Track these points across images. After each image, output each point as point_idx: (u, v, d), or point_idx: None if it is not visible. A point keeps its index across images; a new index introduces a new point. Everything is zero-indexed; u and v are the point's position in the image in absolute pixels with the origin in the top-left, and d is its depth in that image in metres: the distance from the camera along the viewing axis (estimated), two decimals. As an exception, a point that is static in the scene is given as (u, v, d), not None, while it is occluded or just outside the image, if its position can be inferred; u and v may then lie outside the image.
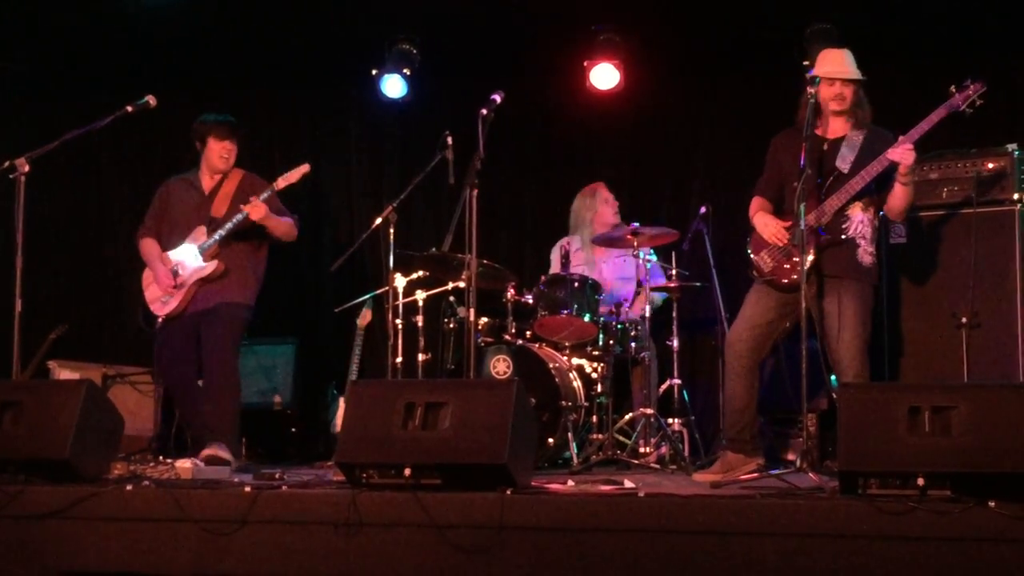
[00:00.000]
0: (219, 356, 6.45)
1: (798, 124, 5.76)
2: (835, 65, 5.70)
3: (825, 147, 5.64)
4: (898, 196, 5.63)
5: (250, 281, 6.67)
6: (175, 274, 6.54)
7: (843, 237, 5.62)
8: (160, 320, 6.61)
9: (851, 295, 5.59)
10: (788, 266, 5.66)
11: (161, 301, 6.60)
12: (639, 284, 7.01)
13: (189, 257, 6.55)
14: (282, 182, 6.58)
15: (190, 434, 6.83)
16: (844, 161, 5.65)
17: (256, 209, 6.44)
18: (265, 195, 6.51)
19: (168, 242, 6.67)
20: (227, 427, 6.37)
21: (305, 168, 6.65)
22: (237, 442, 6.52)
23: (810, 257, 5.40)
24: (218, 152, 6.66)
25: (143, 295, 6.70)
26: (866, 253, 5.66)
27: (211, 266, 6.51)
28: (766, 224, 5.77)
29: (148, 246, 6.73)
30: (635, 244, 6.84)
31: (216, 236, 6.50)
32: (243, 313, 6.62)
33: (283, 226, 6.65)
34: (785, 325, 5.71)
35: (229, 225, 6.49)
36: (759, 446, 5.79)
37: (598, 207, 7.59)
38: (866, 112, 5.73)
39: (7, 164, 5.92)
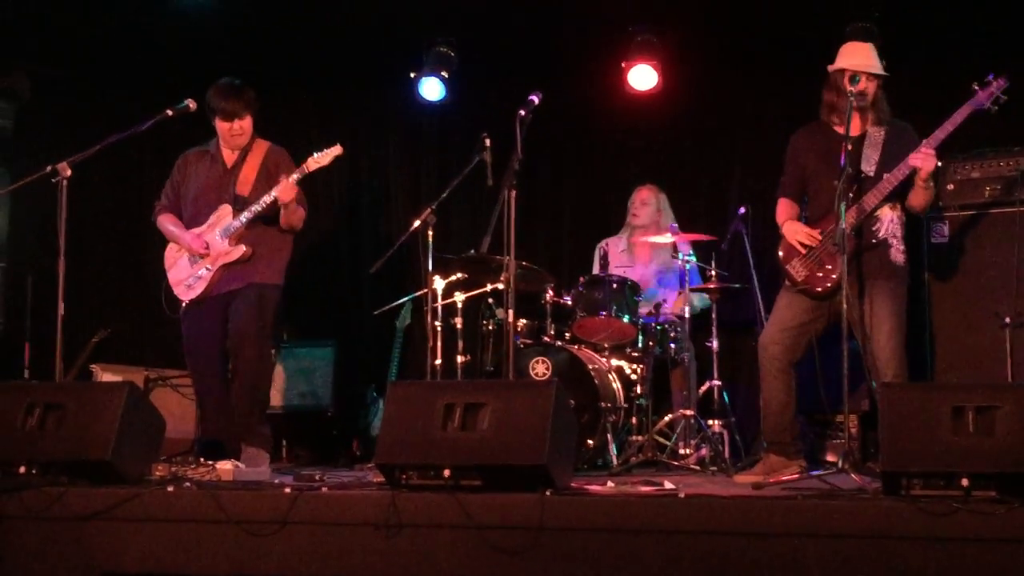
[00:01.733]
0: (247, 340, 6.21)
1: (820, 121, 5.75)
2: (861, 58, 5.64)
3: (849, 147, 5.58)
4: (918, 197, 5.62)
5: (276, 260, 6.37)
6: (206, 245, 6.27)
7: (874, 241, 5.59)
8: (184, 305, 6.37)
9: (884, 295, 5.57)
10: (821, 274, 5.63)
11: (185, 285, 6.35)
12: (681, 284, 6.99)
13: (215, 238, 6.29)
14: (313, 164, 6.24)
15: (210, 436, 6.49)
16: (869, 162, 5.62)
17: (287, 190, 6.11)
18: (296, 176, 6.18)
19: (192, 221, 6.39)
20: (255, 419, 6.22)
21: (337, 150, 6.30)
22: (267, 431, 6.32)
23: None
24: (225, 132, 6.34)
25: (165, 278, 6.48)
26: (898, 252, 5.65)
27: (238, 251, 6.24)
28: (795, 231, 5.74)
29: (168, 220, 6.46)
30: (674, 244, 6.83)
31: (243, 218, 6.22)
32: (273, 294, 6.35)
33: (296, 217, 6.34)
34: (819, 327, 5.68)
35: (257, 207, 6.20)
36: (800, 448, 5.76)
37: (634, 210, 7.64)
38: (885, 109, 5.69)
39: (50, 168, 5.92)
